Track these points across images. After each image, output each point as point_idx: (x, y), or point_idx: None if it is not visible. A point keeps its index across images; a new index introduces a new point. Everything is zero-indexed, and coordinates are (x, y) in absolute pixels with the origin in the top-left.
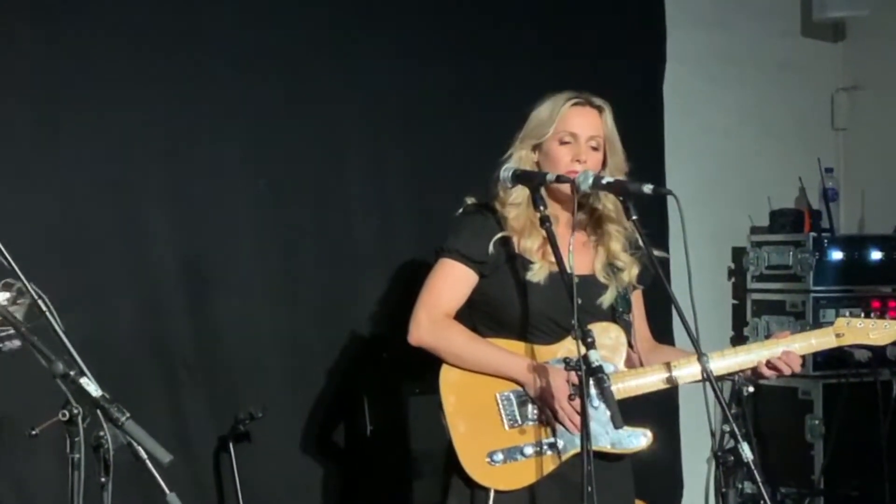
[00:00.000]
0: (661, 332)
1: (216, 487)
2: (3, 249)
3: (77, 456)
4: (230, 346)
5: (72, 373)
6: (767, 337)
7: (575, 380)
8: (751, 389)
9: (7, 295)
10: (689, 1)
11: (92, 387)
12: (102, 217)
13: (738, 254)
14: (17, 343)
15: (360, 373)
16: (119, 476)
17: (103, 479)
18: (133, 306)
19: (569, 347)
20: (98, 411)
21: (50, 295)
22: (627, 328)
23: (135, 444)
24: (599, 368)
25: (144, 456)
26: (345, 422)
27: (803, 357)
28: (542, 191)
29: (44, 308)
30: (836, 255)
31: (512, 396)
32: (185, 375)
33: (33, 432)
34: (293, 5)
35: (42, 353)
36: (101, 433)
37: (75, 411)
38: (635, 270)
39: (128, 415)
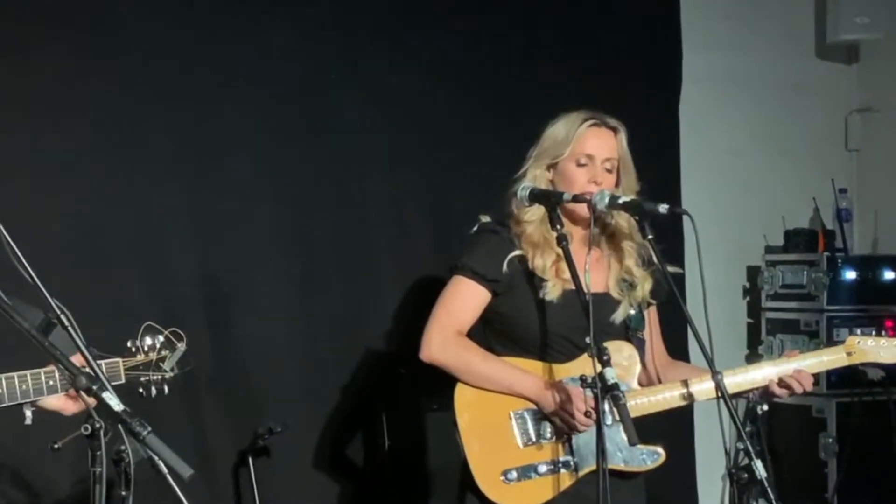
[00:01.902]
0: (676, 350)
1: (235, 502)
2: (26, 264)
3: (99, 470)
4: (249, 362)
5: (94, 387)
6: (781, 356)
7: (591, 399)
8: (765, 408)
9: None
10: (704, 23)
11: (114, 401)
12: (123, 233)
13: (752, 273)
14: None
15: (378, 389)
16: (140, 490)
17: (124, 493)
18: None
19: (584, 366)
20: (119, 425)
21: (71, 310)
22: (641, 347)
23: (156, 458)
24: (615, 386)
25: (165, 470)
26: (362, 437)
27: (815, 375)
28: (558, 210)
29: (65, 322)
30: (850, 274)
31: (526, 415)
32: (205, 391)
33: (56, 446)
34: (312, 26)
35: (66, 367)
36: (123, 447)
37: (97, 425)
38: (648, 285)
39: (149, 429)
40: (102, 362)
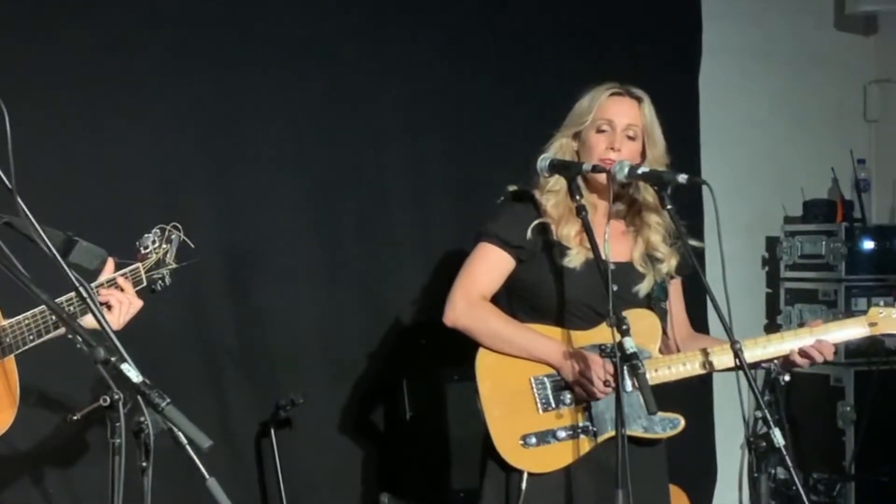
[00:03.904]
0: (696, 321)
1: (257, 472)
2: (46, 240)
3: (118, 441)
4: (272, 333)
5: (113, 359)
6: (801, 325)
7: (610, 368)
8: (787, 378)
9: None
10: None
11: (133, 373)
12: (146, 206)
13: (771, 243)
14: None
15: (399, 359)
16: (160, 461)
17: (144, 464)
18: (175, 294)
19: (604, 334)
20: (138, 397)
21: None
22: (663, 315)
23: (175, 429)
24: (634, 355)
25: (185, 441)
26: (384, 407)
27: (836, 345)
28: (579, 180)
29: (85, 295)
30: (868, 244)
31: (546, 381)
32: (227, 362)
33: (75, 417)
34: (337, 0)
35: (84, 338)
36: (142, 418)
37: (116, 397)
38: (674, 261)
39: (168, 400)
40: (127, 269)
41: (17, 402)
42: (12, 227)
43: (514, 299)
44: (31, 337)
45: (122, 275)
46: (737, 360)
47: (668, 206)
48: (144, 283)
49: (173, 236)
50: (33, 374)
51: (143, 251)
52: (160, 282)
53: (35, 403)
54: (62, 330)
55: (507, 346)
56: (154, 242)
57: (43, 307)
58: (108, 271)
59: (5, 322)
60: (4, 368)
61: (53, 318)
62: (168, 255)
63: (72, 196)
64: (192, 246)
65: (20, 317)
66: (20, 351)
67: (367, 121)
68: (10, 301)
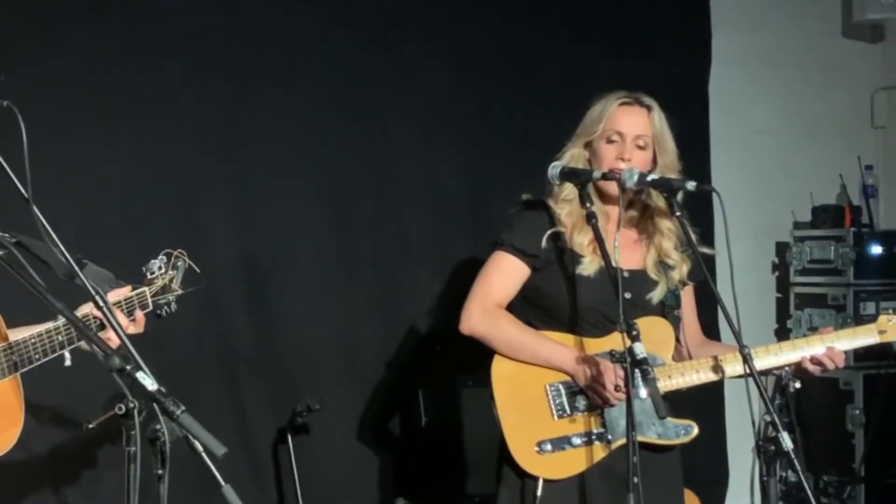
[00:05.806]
0: (707, 326)
1: (275, 478)
2: (62, 248)
3: (133, 449)
4: (288, 339)
5: (128, 367)
6: (812, 330)
7: (622, 373)
8: (798, 385)
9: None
10: (732, 4)
11: (148, 381)
12: (161, 214)
13: (781, 248)
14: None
15: (415, 366)
16: (176, 468)
17: (160, 472)
18: (192, 301)
19: (617, 340)
20: (154, 405)
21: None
22: (676, 323)
23: (190, 436)
24: (644, 360)
25: (200, 449)
26: (400, 413)
27: (846, 351)
28: (590, 187)
29: (101, 304)
30: (876, 249)
31: (561, 387)
32: (245, 369)
33: (90, 426)
34: (349, 9)
35: (99, 347)
36: (158, 426)
37: (131, 405)
38: (686, 268)
39: (183, 408)
40: (133, 293)
41: (22, 419)
42: (23, 246)
43: (528, 307)
44: (38, 356)
45: (127, 298)
46: (746, 367)
47: (678, 213)
48: (150, 308)
49: (179, 262)
50: (50, 384)
51: (149, 276)
52: (166, 307)
53: (51, 412)
54: (65, 350)
55: (522, 354)
56: (160, 268)
57: (48, 326)
58: (121, 294)
59: (11, 339)
60: (13, 385)
61: (59, 337)
62: (174, 282)
63: (85, 204)
64: (199, 271)
65: (27, 335)
66: (26, 369)
67: (381, 131)
68: (12, 315)
